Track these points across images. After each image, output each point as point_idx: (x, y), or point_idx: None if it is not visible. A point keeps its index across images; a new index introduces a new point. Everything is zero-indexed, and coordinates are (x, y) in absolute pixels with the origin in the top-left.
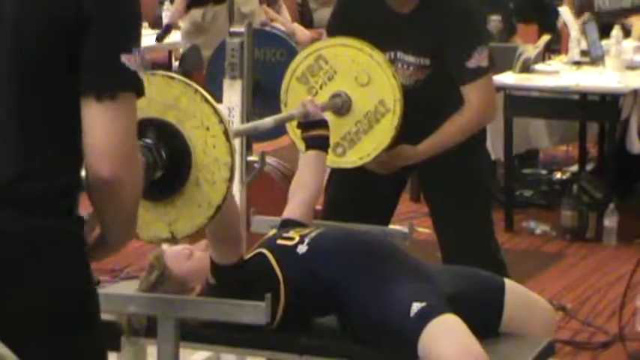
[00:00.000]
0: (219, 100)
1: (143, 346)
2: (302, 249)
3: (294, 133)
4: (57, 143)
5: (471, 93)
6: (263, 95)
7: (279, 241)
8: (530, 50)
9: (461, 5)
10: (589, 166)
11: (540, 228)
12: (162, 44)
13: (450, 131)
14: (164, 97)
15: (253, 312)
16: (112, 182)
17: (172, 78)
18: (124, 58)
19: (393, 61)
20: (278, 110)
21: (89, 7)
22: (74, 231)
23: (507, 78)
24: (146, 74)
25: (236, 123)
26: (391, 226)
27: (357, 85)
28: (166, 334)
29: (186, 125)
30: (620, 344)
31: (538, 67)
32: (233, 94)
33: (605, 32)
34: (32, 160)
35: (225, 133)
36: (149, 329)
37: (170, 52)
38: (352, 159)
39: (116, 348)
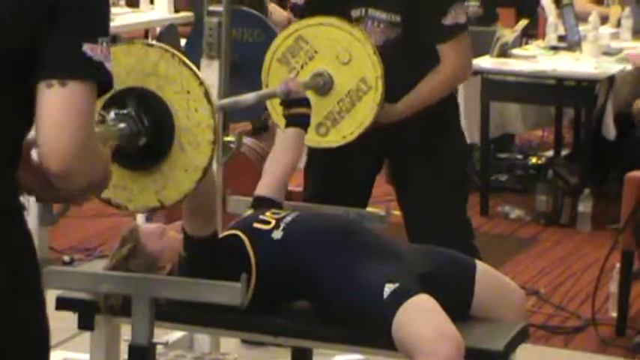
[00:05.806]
0: None
1: (117, 325)
2: (277, 235)
3: (274, 111)
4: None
5: (448, 52)
6: (240, 75)
7: (256, 225)
8: (508, 34)
9: None
10: (564, 152)
11: (515, 212)
12: (138, 22)
13: (426, 90)
14: (143, 65)
15: (229, 292)
16: (63, 177)
17: (151, 45)
18: (87, 48)
19: (362, 19)
20: (255, 91)
21: None
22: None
23: (484, 62)
24: (126, 44)
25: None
26: (368, 209)
27: (339, 63)
28: (141, 314)
29: (166, 91)
30: (592, 329)
31: (515, 51)
32: (210, 74)
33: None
34: None
35: (206, 95)
36: (125, 308)
37: (147, 31)
38: (335, 138)
39: (89, 327)
